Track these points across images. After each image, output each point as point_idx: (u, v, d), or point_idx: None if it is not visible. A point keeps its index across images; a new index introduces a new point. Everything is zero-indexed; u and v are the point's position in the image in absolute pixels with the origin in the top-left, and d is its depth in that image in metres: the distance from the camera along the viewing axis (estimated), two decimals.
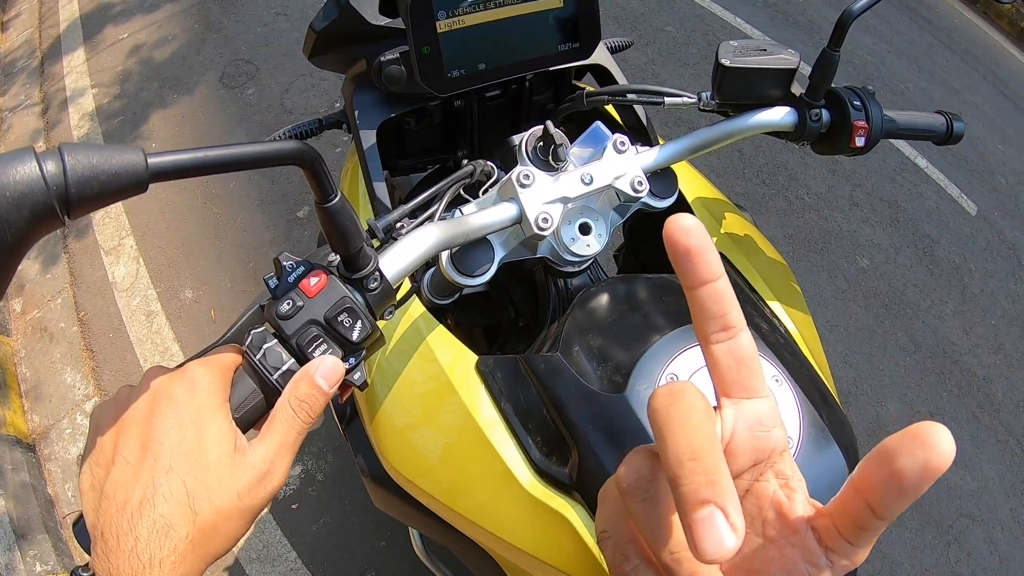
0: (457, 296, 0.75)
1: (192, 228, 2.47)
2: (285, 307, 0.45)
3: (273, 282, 0.47)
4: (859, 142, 0.75)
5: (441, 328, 0.74)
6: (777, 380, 0.62)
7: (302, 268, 0.47)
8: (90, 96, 3.03)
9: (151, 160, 0.33)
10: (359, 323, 0.46)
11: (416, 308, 0.76)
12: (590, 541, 0.60)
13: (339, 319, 0.46)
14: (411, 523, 0.82)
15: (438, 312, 0.81)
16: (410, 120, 0.92)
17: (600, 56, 0.91)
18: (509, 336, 0.95)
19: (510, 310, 0.95)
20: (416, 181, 1.09)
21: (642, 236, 1.03)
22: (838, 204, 2.86)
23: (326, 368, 0.44)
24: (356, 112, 0.82)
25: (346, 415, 0.87)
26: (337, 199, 0.43)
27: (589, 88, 0.88)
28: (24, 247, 0.31)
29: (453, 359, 0.72)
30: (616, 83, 0.91)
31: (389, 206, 0.78)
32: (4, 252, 0.30)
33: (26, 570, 1.67)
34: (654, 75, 3.13)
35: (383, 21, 0.81)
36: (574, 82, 0.99)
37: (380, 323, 0.52)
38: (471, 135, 0.94)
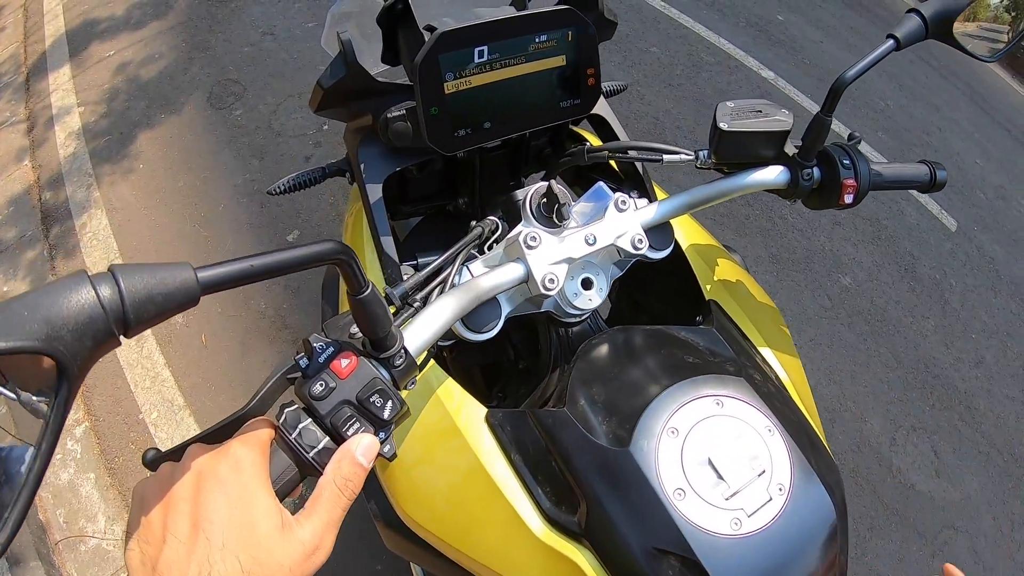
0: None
1: (181, 251, 2.47)
2: (318, 388, 0.48)
3: (304, 362, 0.49)
4: (848, 199, 0.78)
5: (450, 380, 0.76)
6: (770, 430, 0.65)
7: (332, 349, 0.50)
8: (76, 114, 3.02)
9: (201, 275, 0.35)
10: (390, 402, 0.49)
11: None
12: None
13: (371, 399, 0.48)
14: (424, 565, 0.84)
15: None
16: (412, 169, 0.94)
17: (597, 106, 0.93)
18: (511, 378, 0.97)
19: (510, 352, 0.98)
20: (414, 223, 1.11)
21: (635, 276, 1.06)
22: (820, 223, 2.92)
23: (364, 446, 0.47)
24: (362, 166, 0.84)
25: None
26: (368, 291, 0.46)
27: (591, 142, 0.91)
28: (86, 373, 0.32)
29: (463, 411, 0.74)
30: (613, 132, 0.94)
31: (396, 260, 0.80)
32: (72, 380, 0.31)
33: None
34: (640, 97, 3.18)
35: (383, 68, 0.83)
36: (571, 127, 1.01)
37: (403, 393, 0.54)
38: (473, 184, 0.96)
